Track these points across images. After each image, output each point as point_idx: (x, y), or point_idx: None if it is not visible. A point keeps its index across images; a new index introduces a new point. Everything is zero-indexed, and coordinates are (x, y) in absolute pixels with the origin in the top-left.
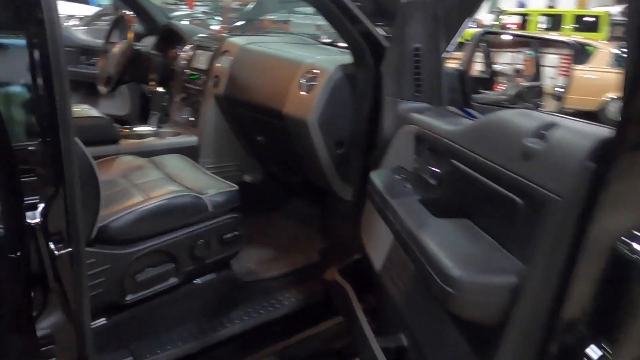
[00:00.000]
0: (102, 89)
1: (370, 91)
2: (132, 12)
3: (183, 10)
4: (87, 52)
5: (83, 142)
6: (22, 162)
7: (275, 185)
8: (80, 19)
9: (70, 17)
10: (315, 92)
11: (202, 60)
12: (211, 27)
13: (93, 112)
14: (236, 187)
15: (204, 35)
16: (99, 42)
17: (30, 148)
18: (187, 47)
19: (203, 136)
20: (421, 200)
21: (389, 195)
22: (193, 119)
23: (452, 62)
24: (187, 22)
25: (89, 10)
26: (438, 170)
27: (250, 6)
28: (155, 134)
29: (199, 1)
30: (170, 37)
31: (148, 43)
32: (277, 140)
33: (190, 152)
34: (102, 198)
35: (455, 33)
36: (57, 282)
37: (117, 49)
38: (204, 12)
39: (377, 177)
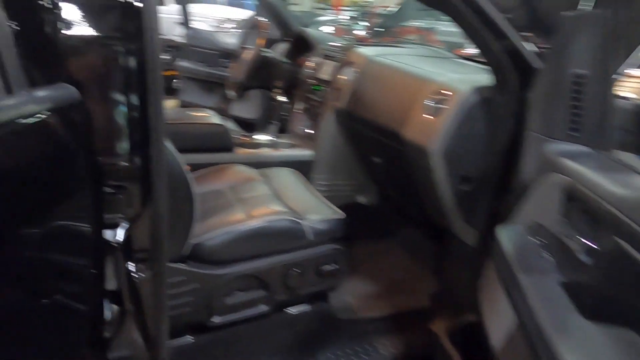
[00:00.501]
0: (230, 93)
1: (511, 122)
2: (267, 19)
3: (329, 16)
4: (227, 55)
5: (198, 148)
6: (109, 178)
7: (390, 210)
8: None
9: (226, 20)
10: (443, 117)
11: (326, 71)
12: (354, 32)
13: (214, 119)
14: (342, 214)
15: (334, 44)
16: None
17: (118, 163)
18: (315, 56)
19: (319, 151)
20: (564, 284)
21: (519, 265)
22: (312, 131)
23: (625, 87)
24: (331, 28)
25: (246, 14)
26: (595, 246)
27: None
28: (271, 145)
29: (347, 6)
30: (301, 45)
31: (282, 49)
32: (395, 165)
33: (304, 167)
34: (200, 211)
35: (632, 52)
36: (134, 304)
37: (247, 54)
38: (351, 17)
39: (505, 235)
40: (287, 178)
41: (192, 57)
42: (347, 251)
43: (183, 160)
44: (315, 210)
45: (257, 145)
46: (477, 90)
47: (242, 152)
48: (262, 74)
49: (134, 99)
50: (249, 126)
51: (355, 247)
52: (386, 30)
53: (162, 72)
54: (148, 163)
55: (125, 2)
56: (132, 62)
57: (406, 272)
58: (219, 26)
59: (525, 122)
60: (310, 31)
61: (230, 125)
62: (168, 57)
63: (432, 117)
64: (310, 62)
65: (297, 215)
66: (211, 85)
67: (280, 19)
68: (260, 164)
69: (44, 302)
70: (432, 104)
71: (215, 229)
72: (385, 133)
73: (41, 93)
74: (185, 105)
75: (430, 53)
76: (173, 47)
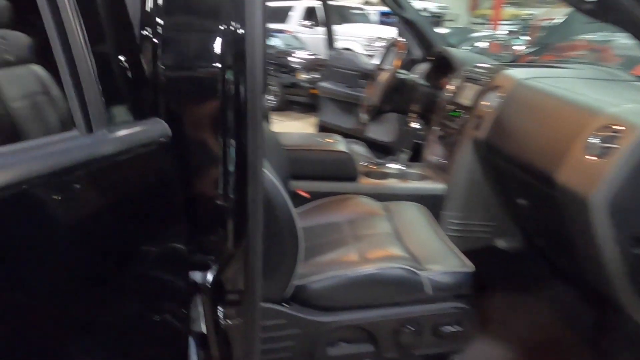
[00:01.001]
0: (363, 116)
1: None
2: (407, 39)
3: (485, 31)
4: (367, 75)
5: (321, 176)
6: (202, 216)
7: (537, 260)
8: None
9: (377, 39)
10: (613, 160)
11: (467, 95)
12: (513, 47)
13: (340, 145)
14: (471, 267)
15: (480, 64)
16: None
17: (213, 201)
18: (456, 79)
19: (453, 185)
20: None
21: None
22: (446, 162)
23: None
24: (486, 44)
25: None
26: None
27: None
28: (400, 175)
29: (507, 20)
30: (443, 66)
31: (422, 70)
32: (545, 211)
33: (435, 202)
34: (311, 245)
35: None
36: (221, 349)
37: (383, 76)
38: (510, 32)
39: None
40: (412, 214)
41: (334, 77)
42: (474, 311)
43: (303, 187)
44: (440, 259)
45: (384, 175)
46: None
47: (367, 182)
48: (396, 97)
49: (232, 132)
50: (384, 149)
51: (490, 300)
52: (548, 45)
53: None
54: (244, 201)
55: (226, 28)
56: (231, 92)
57: (552, 338)
58: (369, 45)
59: None
60: (454, 51)
61: (361, 149)
62: (318, 76)
63: (596, 159)
64: (451, 85)
65: (417, 263)
66: (349, 106)
67: (422, 38)
68: (385, 197)
69: (129, 342)
70: (597, 141)
71: (324, 270)
72: (532, 172)
73: (133, 128)
74: (322, 124)
75: (600, 75)
76: (322, 67)
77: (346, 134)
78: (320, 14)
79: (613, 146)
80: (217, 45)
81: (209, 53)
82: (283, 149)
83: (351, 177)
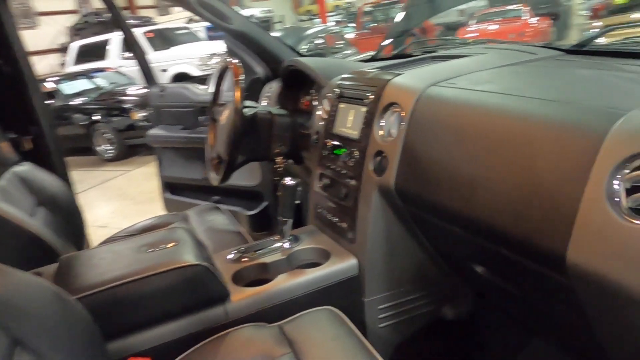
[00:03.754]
0: (213, 177)
1: None
2: (238, 59)
3: (317, 26)
4: (205, 110)
5: (168, 313)
6: None
7: (501, 322)
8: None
9: (212, 56)
10: None
11: (348, 122)
12: (346, 35)
13: (186, 248)
14: None
15: (349, 76)
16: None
17: None
18: (324, 99)
19: (366, 257)
20: None
21: None
22: (344, 224)
23: None
24: (322, 41)
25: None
26: None
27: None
28: (290, 261)
29: (331, 11)
30: (299, 82)
31: (273, 93)
32: (539, 295)
33: (349, 289)
34: None
35: None
36: None
37: (225, 115)
38: (337, 22)
39: None
40: (320, 342)
41: (165, 119)
42: None
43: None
44: None
45: (264, 268)
46: None
47: (243, 296)
48: (250, 142)
49: None
50: (251, 196)
51: None
52: (406, 31)
53: None
54: None
55: None
56: None
57: None
58: (205, 64)
59: None
60: (308, 61)
61: (222, 221)
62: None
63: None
64: (319, 110)
65: None
66: (193, 152)
67: (262, 51)
68: (277, 310)
69: None
70: (630, 186)
71: None
72: (501, 241)
73: None
74: (166, 180)
75: (512, 56)
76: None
77: (201, 187)
78: (143, 40)
79: None
80: None
81: None
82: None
83: (217, 298)
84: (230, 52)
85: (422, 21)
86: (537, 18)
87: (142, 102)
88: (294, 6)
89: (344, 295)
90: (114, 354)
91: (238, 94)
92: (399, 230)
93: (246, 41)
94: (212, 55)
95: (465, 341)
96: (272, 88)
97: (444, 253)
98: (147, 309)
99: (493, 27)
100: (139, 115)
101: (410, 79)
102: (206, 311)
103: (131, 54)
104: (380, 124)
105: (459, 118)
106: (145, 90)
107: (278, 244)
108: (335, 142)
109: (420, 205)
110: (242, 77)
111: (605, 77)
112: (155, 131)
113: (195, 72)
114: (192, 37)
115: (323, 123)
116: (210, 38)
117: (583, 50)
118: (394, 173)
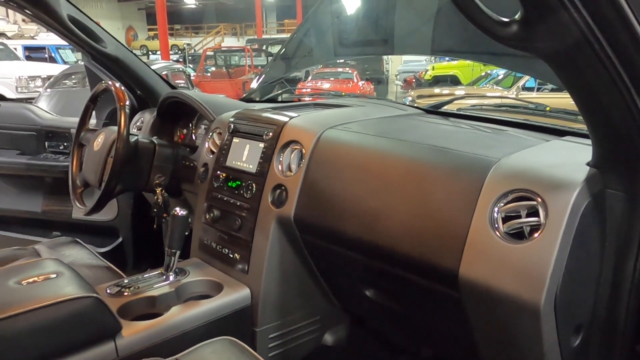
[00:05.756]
0: (80, 208)
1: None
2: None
3: (159, 62)
4: (55, 135)
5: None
6: None
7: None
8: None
9: (34, 78)
10: (544, 239)
11: (245, 157)
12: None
13: (65, 280)
14: None
15: (244, 113)
16: (70, 120)
17: None
18: (213, 133)
19: (260, 287)
20: None
21: None
22: (237, 255)
23: None
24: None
25: (57, 69)
26: None
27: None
28: (177, 294)
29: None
30: (176, 113)
31: (148, 122)
32: (428, 311)
33: (243, 317)
34: None
35: None
36: None
37: (99, 141)
38: (177, 60)
39: None
40: None
41: None
42: None
43: None
44: None
45: (152, 302)
46: (588, 183)
47: (135, 330)
48: (131, 172)
49: None
50: (107, 231)
51: None
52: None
53: None
54: None
55: None
56: None
57: None
58: (25, 87)
59: None
60: (193, 94)
61: (84, 256)
62: None
63: (515, 244)
64: (211, 144)
65: None
66: (35, 180)
67: (136, 81)
68: (168, 344)
69: None
70: (504, 215)
71: None
72: (404, 264)
73: None
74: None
75: (387, 109)
76: None
77: (36, 222)
78: None
79: (536, 222)
80: None
81: None
82: None
83: (106, 334)
84: (91, 76)
85: (284, 74)
86: (363, 82)
87: None
88: (127, 41)
89: (237, 326)
90: None
91: (123, 121)
92: (292, 260)
93: (118, 67)
94: (37, 77)
95: None
96: (145, 118)
97: (333, 280)
98: (25, 350)
99: (327, 85)
100: None
101: (307, 121)
102: (94, 349)
103: None
104: (280, 160)
105: (359, 158)
106: None
107: (163, 277)
108: (229, 175)
109: (319, 234)
110: (128, 102)
111: (465, 132)
112: None
113: (10, 94)
114: (8, 55)
115: (212, 156)
116: (28, 58)
117: (439, 111)
118: (294, 205)
